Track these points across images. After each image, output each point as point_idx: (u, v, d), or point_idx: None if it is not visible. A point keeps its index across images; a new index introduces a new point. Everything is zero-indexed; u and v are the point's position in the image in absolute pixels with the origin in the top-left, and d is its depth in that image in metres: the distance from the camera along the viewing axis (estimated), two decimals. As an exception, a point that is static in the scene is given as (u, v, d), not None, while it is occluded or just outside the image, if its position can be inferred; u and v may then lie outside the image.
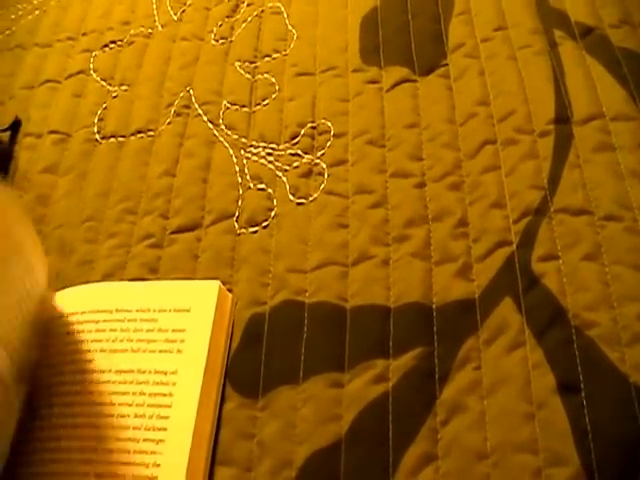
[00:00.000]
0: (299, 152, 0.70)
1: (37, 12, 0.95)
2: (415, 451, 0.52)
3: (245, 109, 0.75)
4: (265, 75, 0.78)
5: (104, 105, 0.80)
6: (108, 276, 0.66)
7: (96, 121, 0.79)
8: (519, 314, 0.56)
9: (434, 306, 0.58)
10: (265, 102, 0.75)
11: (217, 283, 0.60)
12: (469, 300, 0.58)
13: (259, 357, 0.59)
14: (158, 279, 0.64)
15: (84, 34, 0.90)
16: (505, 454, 0.50)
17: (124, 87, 0.81)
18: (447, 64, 0.74)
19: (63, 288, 0.64)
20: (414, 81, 0.73)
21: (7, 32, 0.93)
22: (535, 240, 0.59)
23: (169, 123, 0.76)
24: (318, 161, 0.69)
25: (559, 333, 0.54)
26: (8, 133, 0.79)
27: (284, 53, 0.80)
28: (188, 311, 0.59)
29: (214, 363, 0.57)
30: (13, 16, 0.94)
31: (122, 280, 0.64)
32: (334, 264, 0.62)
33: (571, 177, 0.61)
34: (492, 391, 0.53)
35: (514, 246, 0.59)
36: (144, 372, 0.56)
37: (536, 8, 0.75)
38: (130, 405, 0.55)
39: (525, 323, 0.55)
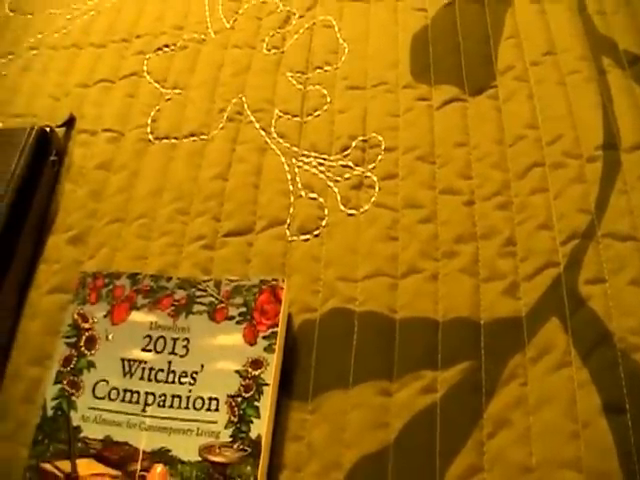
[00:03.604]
0: (350, 164, 0.72)
1: (92, 13, 0.97)
2: (461, 462, 0.54)
3: (297, 119, 0.77)
4: (316, 86, 0.80)
5: (157, 107, 0.82)
6: (162, 272, 0.67)
7: (149, 122, 0.81)
8: (565, 334, 0.57)
9: (482, 322, 0.60)
10: (316, 113, 0.77)
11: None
12: (516, 318, 0.59)
13: (309, 362, 0.60)
14: (211, 280, 0.65)
15: (138, 37, 0.91)
16: (550, 470, 0.52)
17: (177, 90, 0.83)
18: (496, 86, 0.75)
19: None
20: (464, 100, 0.75)
21: (63, 31, 0.95)
22: (582, 263, 0.60)
23: (222, 128, 0.78)
24: (369, 174, 0.71)
25: (605, 355, 0.56)
26: (63, 129, 0.80)
27: (335, 66, 0.81)
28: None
29: (278, 367, 0.58)
30: (69, 16, 0.97)
31: (175, 277, 0.65)
32: (384, 275, 0.64)
33: (618, 203, 0.63)
34: (538, 408, 0.55)
35: (561, 268, 0.61)
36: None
37: (585, 35, 0.77)
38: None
39: (571, 344, 0.57)
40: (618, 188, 0.64)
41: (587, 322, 0.57)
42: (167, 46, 0.88)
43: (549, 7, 0.80)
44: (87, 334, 0.60)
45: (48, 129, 0.77)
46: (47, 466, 0.55)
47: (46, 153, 0.77)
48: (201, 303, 0.59)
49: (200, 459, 0.54)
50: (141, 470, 0.53)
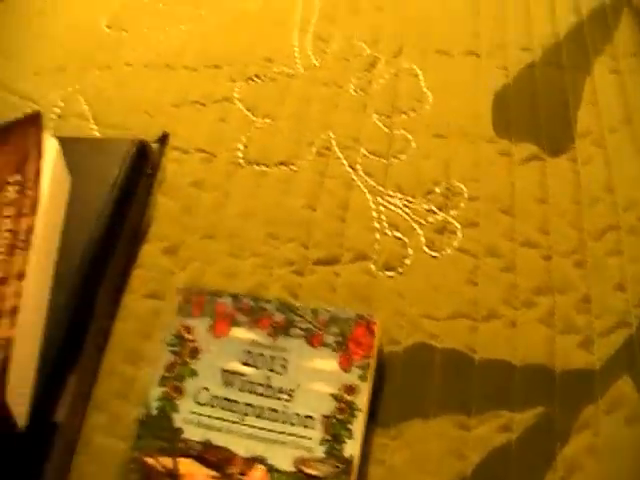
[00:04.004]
0: (433, 208, 0.77)
1: (184, 37, 1.01)
2: (535, 501, 0.58)
3: (382, 159, 0.82)
4: (401, 131, 0.85)
5: (248, 133, 0.87)
6: (252, 291, 0.72)
7: (240, 147, 0.86)
8: (637, 393, 0.62)
9: (556, 371, 0.64)
10: (402, 156, 0.82)
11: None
12: (589, 371, 0.64)
13: (392, 391, 0.65)
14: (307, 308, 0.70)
15: (229, 64, 0.97)
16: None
17: (267, 120, 0.88)
18: (575, 148, 0.80)
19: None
20: (543, 160, 0.80)
21: (157, 51, 1.00)
22: (654, 327, 0.65)
23: (310, 161, 0.83)
24: (451, 220, 0.75)
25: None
26: (157, 144, 0.85)
27: (420, 113, 0.86)
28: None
29: (369, 395, 0.65)
30: (162, 37, 1.02)
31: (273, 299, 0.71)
32: (465, 317, 0.69)
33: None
34: (609, 458, 0.59)
35: (634, 328, 0.66)
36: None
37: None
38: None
39: (642, 402, 0.61)
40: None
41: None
42: (257, 76, 0.94)
43: (628, 78, 0.85)
44: (191, 345, 0.65)
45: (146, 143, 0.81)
46: (150, 460, 0.60)
47: (143, 165, 0.81)
48: (299, 327, 0.64)
49: (295, 470, 0.58)
50: (239, 473, 0.58)
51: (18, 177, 0.72)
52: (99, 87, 0.96)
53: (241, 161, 0.84)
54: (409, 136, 0.84)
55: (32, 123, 0.76)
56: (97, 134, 0.90)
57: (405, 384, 0.65)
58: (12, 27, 1.06)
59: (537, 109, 0.85)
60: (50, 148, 0.75)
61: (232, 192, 0.81)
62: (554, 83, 0.87)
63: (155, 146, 0.84)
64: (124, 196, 0.77)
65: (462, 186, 0.78)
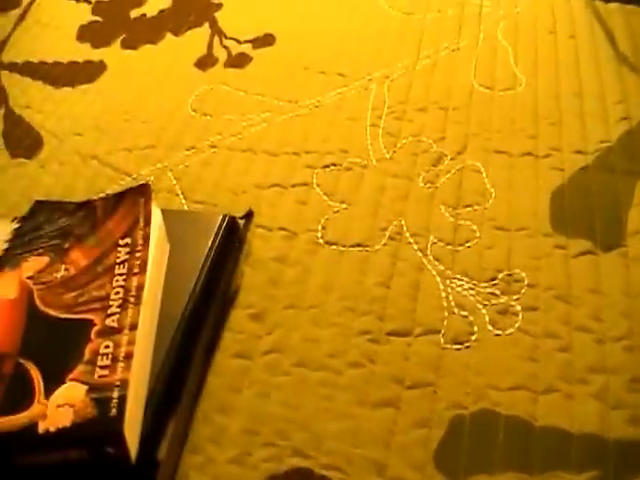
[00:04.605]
0: (497, 292, 0.86)
1: (264, 125, 1.13)
2: None
3: (449, 247, 0.92)
4: (467, 222, 0.95)
5: (326, 216, 0.97)
6: (330, 356, 0.81)
7: (319, 228, 0.95)
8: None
9: (609, 441, 0.72)
10: (467, 244, 0.92)
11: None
12: (638, 443, 0.72)
13: (460, 448, 0.73)
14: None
15: (307, 152, 1.07)
16: None
17: (344, 205, 0.98)
18: (625, 245, 0.90)
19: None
20: (596, 254, 0.89)
21: (239, 136, 1.11)
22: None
23: (384, 244, 0.93)
24: (513, 303, 0.85)
25: None
26: (242, 221, 0.96)
27: (483, 207, 0.96)
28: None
29: None
30: (244, 123, 1.13)
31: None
32: (525, 389, 0.77)
33: None
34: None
35: (679, 407, 0.74)
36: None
37: None
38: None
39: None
40: None
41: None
42: (334, 165, 1.04)
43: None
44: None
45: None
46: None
47: (233, 238, 0.91)
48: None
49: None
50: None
51: (128, 240, 0.82)
52: (186, 165, 1.07)
53: (320, 241, 0.93)
54: (474, 227, 0.93)
55: (142, 194, 0.86)
56: (186, 207, 0.99)
57: (472, 443, 0.72)
58: (107, 105, 1.18)
59: (591, 209, 0.94)
60: (156, 216, 0.84)
61: (313, 268, 0.90)
62: (606, 185, 0.97)
63: (241, 222, 0.93)
64: (216, 265, 0.86)
65: (523, 274, 0.87)
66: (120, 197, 0.85)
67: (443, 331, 0.81)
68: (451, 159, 1.02)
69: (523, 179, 0.99)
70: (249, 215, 0.95)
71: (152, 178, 1.05)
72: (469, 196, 0.97)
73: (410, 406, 0.78)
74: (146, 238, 0.80)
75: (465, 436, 0.73)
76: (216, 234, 0.88)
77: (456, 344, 0.80)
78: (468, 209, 0.94)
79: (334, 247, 0.91)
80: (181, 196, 1.02)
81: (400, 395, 0.78)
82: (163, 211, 0.88)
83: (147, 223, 0.82)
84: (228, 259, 0.89)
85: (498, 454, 0.72)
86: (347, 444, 0.76)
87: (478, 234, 0.91)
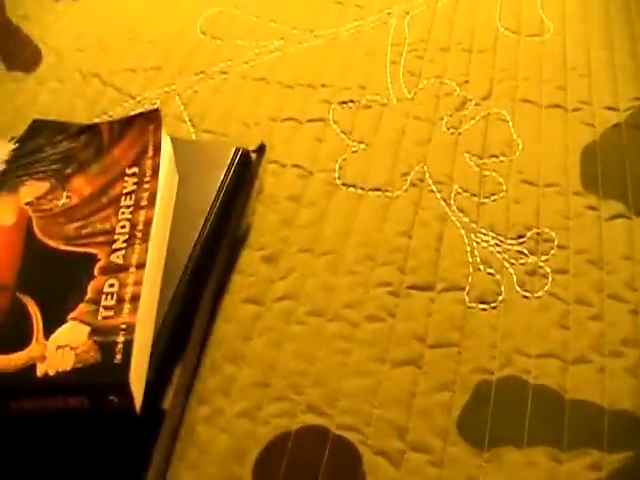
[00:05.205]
0: (525, 251, 0.81)
1: (278, 53, 1.06)
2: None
3: (475, 198, 0.86)
4: (492, 173, 0.89)
5: (344, 156, 0.91)
6: (347, 307, 0.76)
7: (337, 168, 0.89)
8: None
9: (643, 419, 0.68)
10: (493, 197, 0.86)
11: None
12: (675, 422, 0.67)
13: (486, 416, 0.68)
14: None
15: (323, 85, 1.01)
16: None
17: (362, 145, 0.92)
18: (659, 209, 0.84)
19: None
20: (629, 218, 0.84)
21: (252, 63, 1.04)
22: None
23: (405, 190, 0.87)
24: (542, 264, 0.79)
25: None
26: (254, 155, 0.89)
27: (510, 158, 0.91)
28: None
29: None
30: (257, 50, 1.06)
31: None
32: (555, 357, 0.72)
33: None
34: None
35: None
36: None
37: None
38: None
39: None
40: None
41: None
42: (352, 101, 0.97)
43: None
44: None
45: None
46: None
47: (245, 173, 0.84)
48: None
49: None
50: None
51: (135, 170, 0.75)
52: (195, 91, 1.01)
53: (338, 182, 0.87)
54: (500, 179, 0.87)
55: (151, 120, 0.79)
56: (194, 136, 0.92)
57: (499, 411, 0.68)
58: (111, 22, 1.09)
59: (623, 168, 0.89)
60: (165, 146, 0.77)
61: (329, 211, 0.85)
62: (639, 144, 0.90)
63: (253, 156, 0.87)
64: (227, 201, 0.79)
65: (552, 234, 0.81)
66: (128, 122, 0.79)
67: (468, 288, 0.76)
68: (475, 104, 0.96)
69: (552, 132, 0.93)
70: (261, 149, 0.89)
71: (158, 102, 0.95)
72: (495, 146, 0.91)
73: (432, 366, 0.74)
74: (155, 169, 0.74)
75: (491, 404, 0.69)
76: (228, 168, 0.82)
77: (482, 303, 0.75)
78: (494, 159, 0.89)
79: (352, 189, 0.86)
80: (189, 123, 0.95)
81: (422, 354, 0.74)
82: (172, 139, 0.81)
83: (156, 152, 0.75)
84: (240, 195, 0.81)
85: (526, 426, 0.67)
86: (365, 403, 0.72)
87: (505, 187, 0.85)
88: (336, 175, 0.88)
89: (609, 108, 0.98)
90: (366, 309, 0.75)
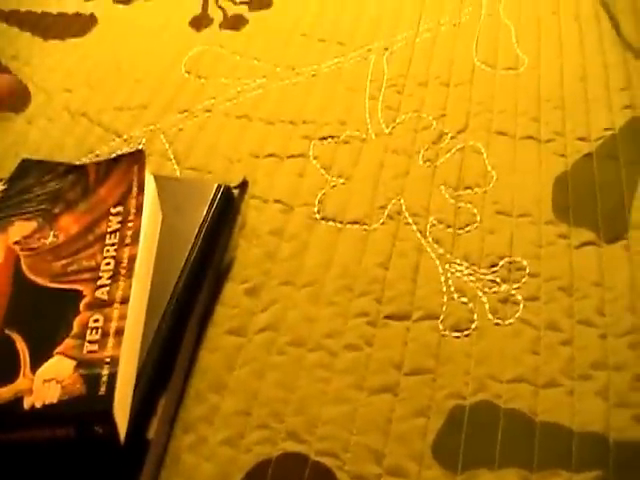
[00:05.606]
0: (497, 280, 0.84)
1: (260, 91, 1.09)
2: None
3: (450, 230, 0.89)
4: (468, 205, 0.92)
5: (323, 191, 0.94)
6: (327, 336, 0.79)
7: (316, 202, 0.92)
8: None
9: (611, 440, 0.71)
10: (467, 228, 0.89)
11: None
12: (641, 443, 0.70)
13: (459, 440, 0.71)
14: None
15: (304, 122, 1.04)
16: None
17: (342, 180, 0.95)
18: (628, 238, 0.87)
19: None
20: (599, 246, 0.87)
21: (234, 101, 1.08)
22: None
23: (382, 223, 0.90)
24: (514, 292, 0.82)
25: None
26: (237, 190, 0.92)
27: (484, 190, 0.94)
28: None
29: None
30: (239, 88, 1.09)
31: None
32: (526, 382, 0.75)
33: None
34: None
35: (682, 408, 0.72)
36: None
37: None
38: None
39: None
40: None
41: None
42: (332, 137, 1.01)
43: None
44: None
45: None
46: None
47: (228, 209, 0.87)
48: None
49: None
50: None
51: (120, 209, 0.78)
52: (180, 129, 1.04)
53: (317, 216, 0.90)
54: (475, 210, 0.90)
55: (136, 160, 0.82)
56: (178, 173, 0.95)
57: (471, 435, 0.71)
58: (99, 61, 1.13)
59: (594, 198, 0.92)
60: (149, 185, 0.81)
61: (310, 244, 0.88)
62: (610, 173, 0.94)
63: (235, 191, 0.90)
64: (210, 236, 0.83)
65: (524, 262, 0.84)
66: (113, 162, 0.82)
67: (442, 317, 0.79)
68: (452, 138, 1.00)
69: (525, 163, 0.96)
70: (244, 185, 0.92)
71: (144, 140, 0.98)
72: (470, 177, 0.95)
73: (408, 393, 0.76)
74: (139, 207, 0.77)
75: (464, 428, 0.71)
76: (210, 204, 0.85)
77: (456, 331, 0.78)
78: (469, 191, 0.92)
79: (331, 223, 0.89)
80: (173, 161, 0.98)
81: (398, 381, 0.76)
82: (156, 177, 0.84)
83: (140, 192, 0.79)
84: (223, 230, 0.85)
85: (498, 448, 0.69)
86: (343, 429, 0.74)
87: (479, 218, 0.89)
88: (316, 209, 0.91)
89: (580, 139, 1.01)
90: (345, 339, 0.78)
